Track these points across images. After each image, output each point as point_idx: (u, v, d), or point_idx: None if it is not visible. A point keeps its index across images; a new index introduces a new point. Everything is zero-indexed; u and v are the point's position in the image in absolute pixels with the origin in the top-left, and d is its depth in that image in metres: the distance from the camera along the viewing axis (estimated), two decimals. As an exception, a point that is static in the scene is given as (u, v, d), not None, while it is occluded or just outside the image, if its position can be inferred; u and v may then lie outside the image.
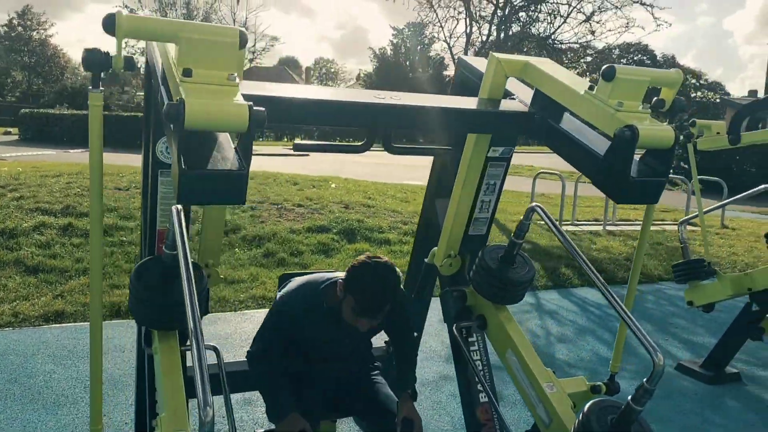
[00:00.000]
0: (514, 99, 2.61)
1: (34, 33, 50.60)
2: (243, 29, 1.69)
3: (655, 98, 2.26)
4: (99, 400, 1.85)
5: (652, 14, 10.74)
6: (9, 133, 29.67)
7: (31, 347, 4.66)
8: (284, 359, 2.66)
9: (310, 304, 2.57)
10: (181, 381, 2.24)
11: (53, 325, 5.14)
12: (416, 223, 9.00)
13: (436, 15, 11.68)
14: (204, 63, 1.63)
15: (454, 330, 2.93)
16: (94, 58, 1.56)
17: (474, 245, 2.96)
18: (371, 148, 2.61)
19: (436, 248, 3.02)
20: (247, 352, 2.69)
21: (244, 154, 1.65)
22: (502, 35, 11.28)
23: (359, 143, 2.39)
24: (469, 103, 2.52)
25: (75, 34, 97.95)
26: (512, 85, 2.65)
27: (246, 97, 2.02)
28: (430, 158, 3.32)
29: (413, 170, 15.21)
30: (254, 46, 49.42)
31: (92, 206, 1.73)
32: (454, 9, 11.49)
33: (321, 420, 2.81)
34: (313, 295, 2.59)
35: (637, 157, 2.27)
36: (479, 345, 3.02)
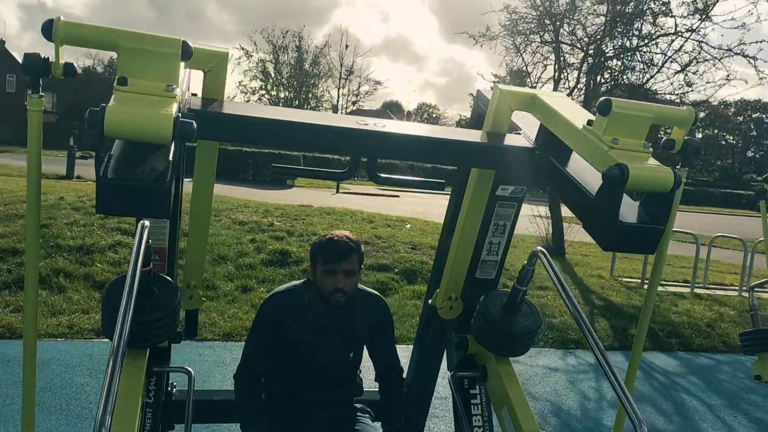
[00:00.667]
0: (519, 134, 2.45)
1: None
2: (186, 40, 1.65)
3: (665, 138, 2.04)
4: (31, 414, 1.82)
5: (755, 66, 10.05)
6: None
7: (75, 359, 4.84)
8: (267, 375, 2.62)
9: (292, 302, 2.55)
10: (137, 405, 2.19)
11: (103, 340, 5.32)
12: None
13: (523, 60, 11.51)
14: (141, 73, 1.60)
15: (450, 380, 2.75)
16: (32, 64, 1.55)
17: (481, 289, 2.77)
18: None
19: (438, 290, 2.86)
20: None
21: (174, 167, 1.61)
22: (592, 83, 10.92)
23: (342, 171, 2.31)
24: (464, 135, 2.38)
25: (199, 73, 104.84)
26: (528, 122, 2.49)
27: (207, 114, 2.01)
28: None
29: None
30: (359, 89, 50.93)
31: (29, 214, 1.72)
32: (542, 55, 11.29)
33: None
34: (294, 293, 2.58)
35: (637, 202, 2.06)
36: (482, 398, 2.79)
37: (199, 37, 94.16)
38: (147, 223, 2.14)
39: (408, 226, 11.54)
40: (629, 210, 2.01)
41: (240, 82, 44.31)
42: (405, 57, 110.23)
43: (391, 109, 58.78)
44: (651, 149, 1.94)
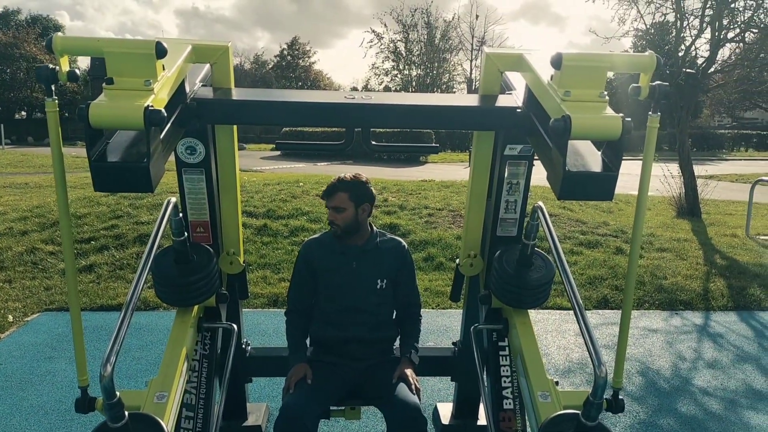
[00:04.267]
0: (510, 94, 2.53)
1: (300, 61, 57.45)
2: (161, 40, 1.92)
3: (631, 85, 2.07)
4: (82, 354, 2.18)
5: None
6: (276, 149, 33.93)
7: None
8: (312, 322, 2.97)
9: (322, 242, 2.97)
10: (181, 353, 2.57)
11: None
12: (601, 235, 8.45)
13: (638, 11, 10.84)
14: (124, 72, 1.85)
15: (472, 332, 2.89)
16: (42, 73, 1.86)
17: (504, 246, 2.88)
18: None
19: None
20: None
21: (153, 149, 1.90)
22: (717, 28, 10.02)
23: (339, 142, 2.53)
24: (452, 100, 2.51)
25: (337, 59, 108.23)
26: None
27: (207, 102, 2.31)
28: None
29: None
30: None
31: (59, 202, 2.01)
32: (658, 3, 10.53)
33: (343, 406, 2.95)
34: (325, 235, 2.99)
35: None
36: (509, 350, 2.92)
37: (337, 24, 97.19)
38: (173, 199, 2.50)
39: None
40: (590, 159, 2.06)
41: (373, 64, 45.10)
42: (546, 19, 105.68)
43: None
44: (607, 98, 1.97)
